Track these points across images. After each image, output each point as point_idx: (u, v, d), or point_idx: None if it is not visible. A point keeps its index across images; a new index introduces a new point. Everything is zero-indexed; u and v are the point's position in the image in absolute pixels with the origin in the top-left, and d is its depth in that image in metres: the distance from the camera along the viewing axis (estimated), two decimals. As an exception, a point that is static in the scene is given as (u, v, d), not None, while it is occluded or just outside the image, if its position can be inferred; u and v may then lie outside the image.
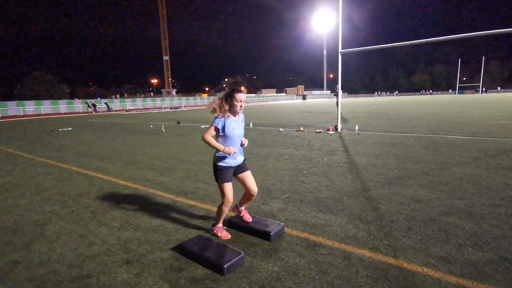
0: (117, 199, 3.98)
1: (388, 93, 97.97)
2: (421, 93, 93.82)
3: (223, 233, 2.80)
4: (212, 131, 2.57)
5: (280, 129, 11.22)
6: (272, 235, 2.67)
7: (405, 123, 12.08)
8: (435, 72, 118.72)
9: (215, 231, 2.80)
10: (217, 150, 2.62)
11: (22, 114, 32.49)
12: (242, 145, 2.72)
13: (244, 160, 2.82)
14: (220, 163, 2.62)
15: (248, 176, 2.78)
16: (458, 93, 78.92)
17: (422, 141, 7.53)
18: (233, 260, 2.23)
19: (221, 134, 2.59)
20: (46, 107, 35.71)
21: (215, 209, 3.48)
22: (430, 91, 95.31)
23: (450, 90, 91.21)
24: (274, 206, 3.51)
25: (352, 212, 3.25)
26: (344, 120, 14.25)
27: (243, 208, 3.03)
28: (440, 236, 2.64)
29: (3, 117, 30.00)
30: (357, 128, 10.39)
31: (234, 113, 2.63)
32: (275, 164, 5.66)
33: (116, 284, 2.12)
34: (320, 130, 10.49)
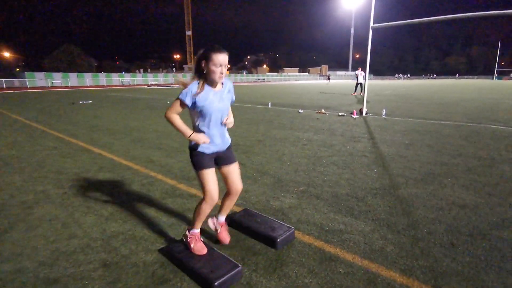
0: (114, 182, 3.64)
1: (400, 75, 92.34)
2: (424, 77, 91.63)
3: (198, 246, 2.04)
4: (177, 107, 1.86)
5: (300, 111, 10.53)
6: (278, 242, 2.20)
7: (439, 108, 11.00)
8: (473, 54, 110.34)
9: (188, 238, 2.07)
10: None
11: (50, 86, 33.39)
12: (223, 124, 1.99)
13: (230, 146, 2.11)
14: (196, 148, 1.96)
15: (233, 170, 2.11)
16: (497, 79, 73.22)
17: (460, 131, 6.67)
18: (227, 276, 1.79)
19: (192, 109, 1.90)
20: (73, 79, 36.48)
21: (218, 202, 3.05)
22: (434, 75, 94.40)
23: (457, 74, 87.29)
24: (286, 202, 3.02)
25: (378, 216, 2.71)
26: (369, 103, 13.26)
27: (223, 220, 2.29)
28: (493, 258, 2.06)
29: (31, 87, 31.00)
30: (384, 112, 9.51)
31: (213, 83, 1.88)
32: (291, 149, 5.12)
33: (85, 294, 1.75)
34: (343, 114, 9.72)
